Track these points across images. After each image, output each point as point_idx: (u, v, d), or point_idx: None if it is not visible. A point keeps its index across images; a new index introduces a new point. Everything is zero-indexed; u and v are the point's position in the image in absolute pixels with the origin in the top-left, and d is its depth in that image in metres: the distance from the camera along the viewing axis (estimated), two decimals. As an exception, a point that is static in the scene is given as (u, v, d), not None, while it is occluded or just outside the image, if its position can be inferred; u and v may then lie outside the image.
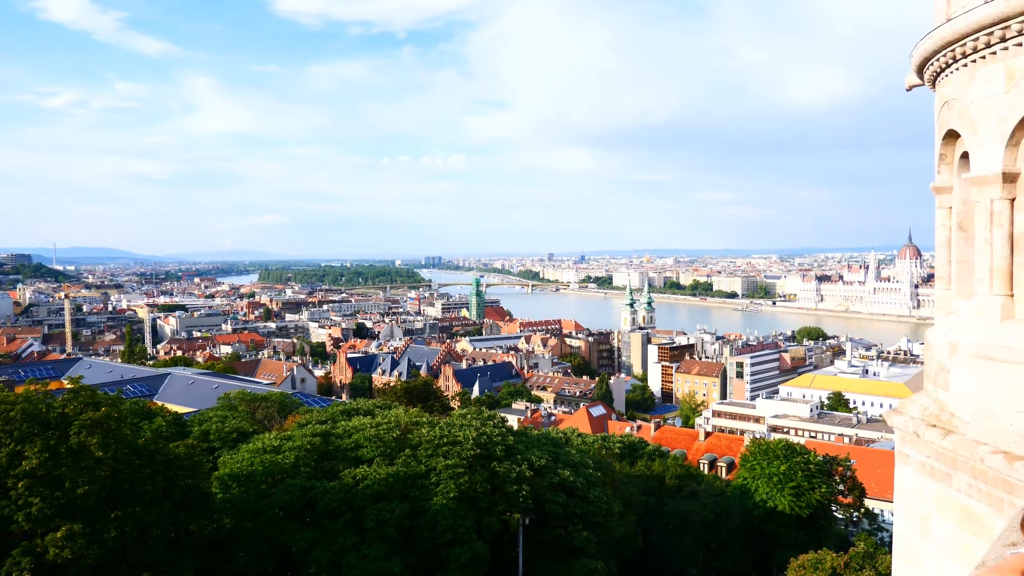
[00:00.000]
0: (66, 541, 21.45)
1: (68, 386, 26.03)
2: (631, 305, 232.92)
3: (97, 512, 23.13)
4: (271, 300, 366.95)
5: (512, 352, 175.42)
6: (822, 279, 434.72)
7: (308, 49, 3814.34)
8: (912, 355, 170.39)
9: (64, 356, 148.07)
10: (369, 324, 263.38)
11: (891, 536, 13.77)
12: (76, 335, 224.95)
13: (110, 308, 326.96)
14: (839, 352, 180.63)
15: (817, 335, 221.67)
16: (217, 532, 29.49)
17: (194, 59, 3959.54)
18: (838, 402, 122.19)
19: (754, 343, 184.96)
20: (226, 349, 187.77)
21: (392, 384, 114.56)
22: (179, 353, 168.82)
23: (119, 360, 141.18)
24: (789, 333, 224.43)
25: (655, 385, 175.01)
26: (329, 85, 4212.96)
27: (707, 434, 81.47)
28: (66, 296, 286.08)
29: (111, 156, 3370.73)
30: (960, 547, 8.50)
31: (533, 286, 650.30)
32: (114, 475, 24.05)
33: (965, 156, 9.10)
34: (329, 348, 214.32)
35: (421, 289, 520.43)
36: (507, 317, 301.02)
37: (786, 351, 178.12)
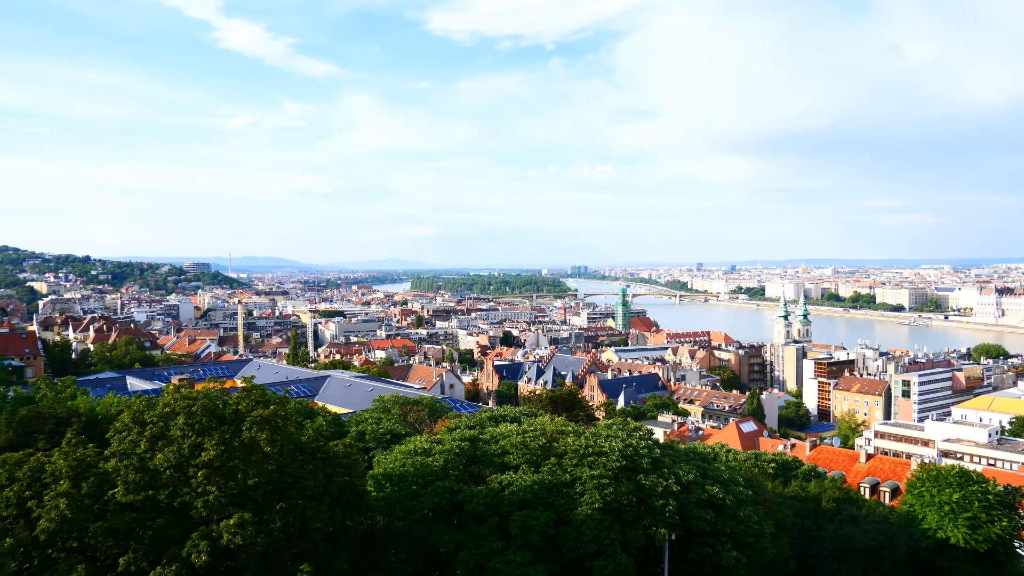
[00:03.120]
0: (238, 528, 23.10)
1: (241, 385, 28.07)
2: (785, 317, 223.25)
3: (265, 503, 24.77)
4: (422, 308, 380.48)
5: (658, 363, 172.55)
6: (1003, 292, 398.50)
7: (460, 65, 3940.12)
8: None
9: (237, 357, 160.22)
10: (515, 332, 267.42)
11: (1088, 579, 12.42)
12: (247, 338, 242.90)
13: (277, 313, 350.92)
14: (1023, 373, 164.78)
15: (997, 353, 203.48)
16: (371, 529, 30.75)
17: (355, 79, 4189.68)
18: (1022, 428, 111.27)
19: (923, 360, 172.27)
20: (380, 354, 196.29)
21: (537, 392, 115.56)
22: (337, 357, 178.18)
23: (284, 362, 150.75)
24: (964, 350, 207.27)
25: (810, 402, 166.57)
26: (479, 99, 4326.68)
27: (868, 456, 76.51)
28: (239, 302, 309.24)
29: (280, 172, 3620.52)
30: None
31: (681, 296, 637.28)
32: (280, 469, 25.67)
33: None
34: (476, 355, 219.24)
35: (567, 298, 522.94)
36: (653, 328, 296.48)
37: (960, 370, 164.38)
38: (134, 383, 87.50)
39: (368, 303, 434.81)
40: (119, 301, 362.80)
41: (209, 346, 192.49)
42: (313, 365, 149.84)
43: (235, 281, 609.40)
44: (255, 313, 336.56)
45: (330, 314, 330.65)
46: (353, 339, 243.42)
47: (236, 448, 24.70)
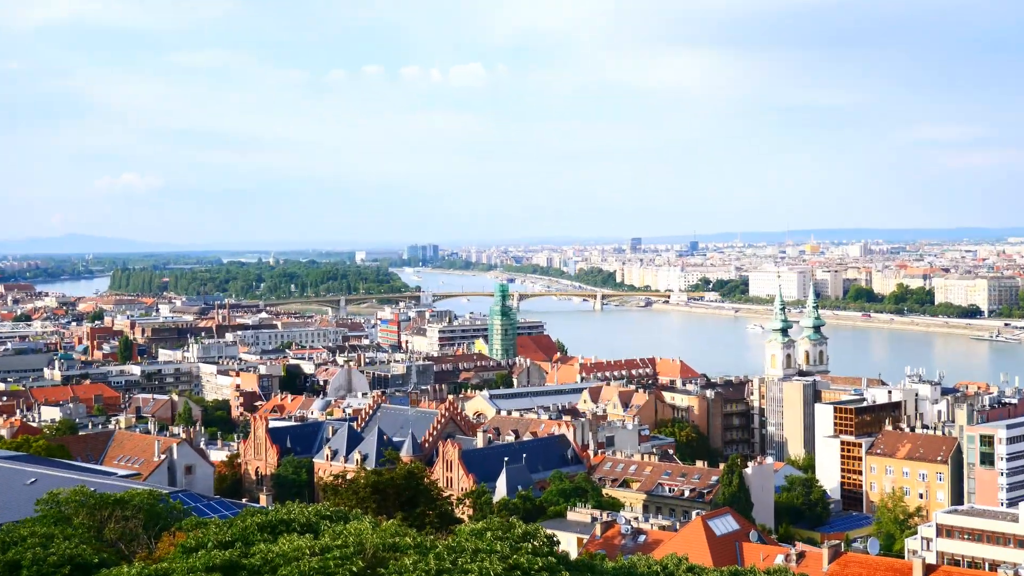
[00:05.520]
0: None
1: None
2: (783, 332, 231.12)
3: None
4: (132, 324, 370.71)
5: (566, 417, 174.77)
6: None
7: None
8: None
9: None
10: (309, 368, 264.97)
11: None
12: None
13: None
14: None
15: None
16: None
17: None
18: None
19: (1014, 401, 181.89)
20: (52, 412, 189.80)
21: (350, 476, 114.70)
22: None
23: None
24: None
25: (829, 477, 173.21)
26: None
27: (928, 569, 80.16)
28: None
29: None
30: None
31: (604, 297, 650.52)
32: None
33: None
34: (237, 412, 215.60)
35: (402, 304, 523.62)
36: (557, 355, 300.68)
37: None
38: None
39: (29, 317, 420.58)
40: None
41: None
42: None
43: None
44: None
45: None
46: (0, 386, 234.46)
47: None
